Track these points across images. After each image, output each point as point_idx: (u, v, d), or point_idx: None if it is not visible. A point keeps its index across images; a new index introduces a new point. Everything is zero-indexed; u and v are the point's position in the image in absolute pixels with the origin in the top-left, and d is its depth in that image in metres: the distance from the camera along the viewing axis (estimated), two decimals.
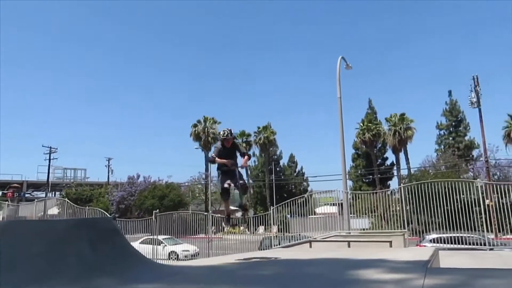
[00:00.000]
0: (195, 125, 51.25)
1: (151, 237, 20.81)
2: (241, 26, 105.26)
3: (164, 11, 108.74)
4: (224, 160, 6.63)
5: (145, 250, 16.90)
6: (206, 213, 22.26)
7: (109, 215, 21.86)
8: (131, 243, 6.65)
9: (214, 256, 16.03)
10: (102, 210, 24.53)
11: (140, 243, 19.87)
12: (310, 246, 12.65)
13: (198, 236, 22.06)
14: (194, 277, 5.02)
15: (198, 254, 20.44)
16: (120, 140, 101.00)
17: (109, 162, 57.06)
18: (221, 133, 6.86)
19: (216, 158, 6.68)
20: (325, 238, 13.89)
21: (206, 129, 50.34)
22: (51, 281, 4.31)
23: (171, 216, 21.48)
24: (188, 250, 21.05)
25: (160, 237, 21.02)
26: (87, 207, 23.11)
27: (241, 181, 6.71)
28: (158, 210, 23.21)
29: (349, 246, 11.74)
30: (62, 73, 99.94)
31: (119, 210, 42.71)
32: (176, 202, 41.62)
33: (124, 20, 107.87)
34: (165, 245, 21.25)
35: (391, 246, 11.25)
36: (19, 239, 4.49)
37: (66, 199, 25.15)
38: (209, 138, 49.52)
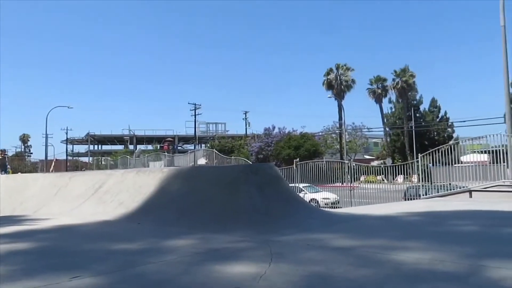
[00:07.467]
0: (327, 74, 50.07)
1: (292, 185, 21.46)
2: None
3: None
4: None
5: None
6: (346, 162, 22.01)
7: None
8: None
9: (357, 205, 15.80)
10: (246, 159, 26.09)
11: None
12: (470, 196, 11.47)
13: (335, 184, 22.08)
14: (369, 226, 4.86)
15: (338, 202, 20.49)
16: (255, 94, 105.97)
17: (246, 116, 60.24)
18: None
19: None
20: (486, 187, 12.45)
21: (338, 77, 48.82)
22: (227, 223, 4.62)
23: (309, 165, 21.87)
24: (329, 198, 21.25)
25: (301, 185, 21.58)
26: (232, 157, 24.78)
27: None
28: (297, 159, 23.75)
29: None
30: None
31: (258, 159, 45.13)
32: (311, 152, 42.10)
33: None
34: (306, 193, 21.73)
35: None
36: (199, 182, 4.92)
37: (214, 150, 27.38)
38: (342, 86, 47.98)
